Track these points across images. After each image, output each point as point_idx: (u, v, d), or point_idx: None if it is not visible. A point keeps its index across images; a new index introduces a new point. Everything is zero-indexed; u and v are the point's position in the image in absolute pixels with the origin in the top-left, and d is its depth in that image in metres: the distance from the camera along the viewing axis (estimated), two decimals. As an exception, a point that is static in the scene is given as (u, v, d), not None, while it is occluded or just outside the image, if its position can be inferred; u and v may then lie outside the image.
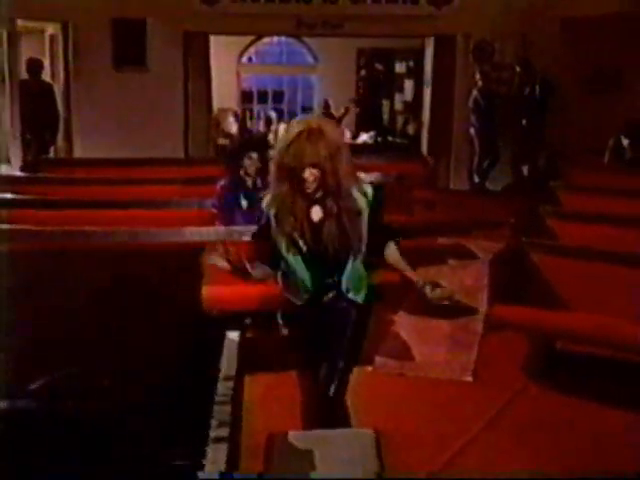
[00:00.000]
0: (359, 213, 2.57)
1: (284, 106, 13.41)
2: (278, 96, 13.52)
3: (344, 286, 2.65)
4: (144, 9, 8.34)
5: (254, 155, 4.76)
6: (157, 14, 8.40)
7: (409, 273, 2.68)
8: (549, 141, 8.43)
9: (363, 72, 12.87)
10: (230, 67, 12.63)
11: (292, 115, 12.79)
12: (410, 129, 11.76)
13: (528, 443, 3.30)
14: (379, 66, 12.57)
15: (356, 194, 2.58)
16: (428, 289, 2.58)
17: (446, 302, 2.69)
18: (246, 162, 4.76)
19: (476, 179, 8.89)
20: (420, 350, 4.20)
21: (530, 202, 7.04)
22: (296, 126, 2.53)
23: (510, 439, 3.35)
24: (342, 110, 11.45)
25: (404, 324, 4.59)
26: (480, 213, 7.47)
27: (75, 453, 1.37)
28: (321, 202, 2.55)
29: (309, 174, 2.47)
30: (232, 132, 12.31)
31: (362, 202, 2.58)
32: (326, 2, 8.62)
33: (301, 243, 2.57)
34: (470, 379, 3.94)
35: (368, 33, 9.56)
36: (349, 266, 2.62)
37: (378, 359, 4.07)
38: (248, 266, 2.42)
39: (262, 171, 4.81)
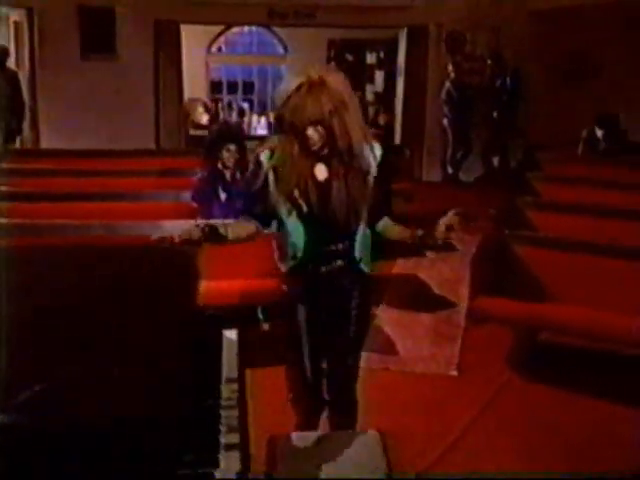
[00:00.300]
0: (368, 174, 2.33)
1: (254, 97, 13.23)
2: (248, 86, 13.33)
3: (357, 253, 2.40)
4: (113, -4, 8.13)
5: (232, 147, 4.64)
6: (127, 2, 8.18)
7: (406, 231, 2.39)
8: (522, 132, 8.43)
9: (333, 63, 12.75)
10: (199, 57, 12.40)
11: (262, 106, 12.67)
12: (381, 120, 11.69)
13: (518, 436, 3.27)
14: (349, 57, 12.47)
15: (367, 152, 2.32)
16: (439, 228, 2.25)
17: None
18: (224, 154, 4.64)
19: (449, 170, 8.87)
20: (404, 344, 4.14)
21: (506, 193, 7.06)
22: (295, 79, 2.24)
23: (500, 432, 3.31)
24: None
25: (387, 318, 4.54)
26: (456, 204, 7.45)
27: (72, 469, 1.26)
28: (327, 160, 2.29)
29: (313, 132, 2.22)
30: (202, 123, 12.13)
31: (372, 162, 2.33)
32: (299, -8, 8.51)
33: (303, 205, 2.32)
34: (455, 373, 3.89)
35: (341, 23, 9.46)
36: (360, 232, 2.39)
37: (362, 354, 3.99)
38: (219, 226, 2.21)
39: (240, 163, 4.71)
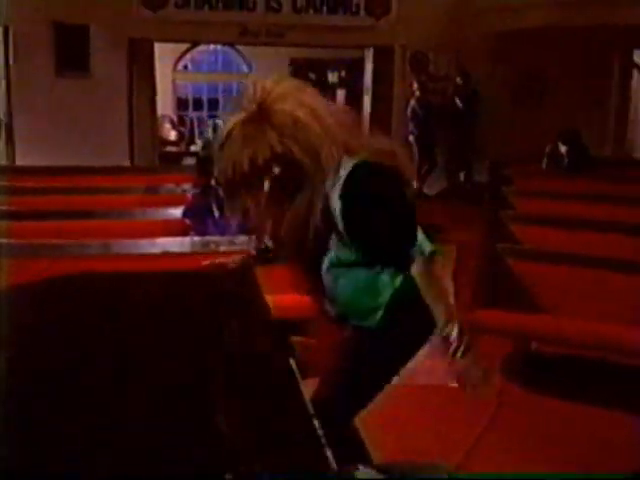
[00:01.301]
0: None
1: (219, 113, 13.01)
2: (213, 103, 13.11)
3: (338, 307, 1.85)
4: (87, 15, 7.84)
5: (225, 164, 4.47)
6: (100, 20, 7.91)
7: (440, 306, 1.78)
8: (484, 149, 8.48)
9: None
10: (166, 74, 12.14)
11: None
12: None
13: (526, 445, 3.19)
14: (312, 75, 12.39)
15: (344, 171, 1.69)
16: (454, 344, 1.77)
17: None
18: (217, 171, 4.47)
19: (414, 184, 8.84)
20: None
21: (473, 206, 7.07)
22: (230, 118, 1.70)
23: (508, 443, 3.23)
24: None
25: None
26: (426, 215, 7.42)
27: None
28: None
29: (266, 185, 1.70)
30: (170, 139, 11.87)
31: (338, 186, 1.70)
32: (269, 11, 8.37)
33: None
34: (455, 385, 3.79)
35: (309, 43, 9.36)
36: (330, 274, 1.80)
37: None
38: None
39: (235, 180, 4.55)
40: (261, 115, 1.64)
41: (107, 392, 1.14)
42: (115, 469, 0.99)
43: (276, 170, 1.65)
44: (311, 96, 1.72)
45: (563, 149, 6.57)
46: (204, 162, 4.55)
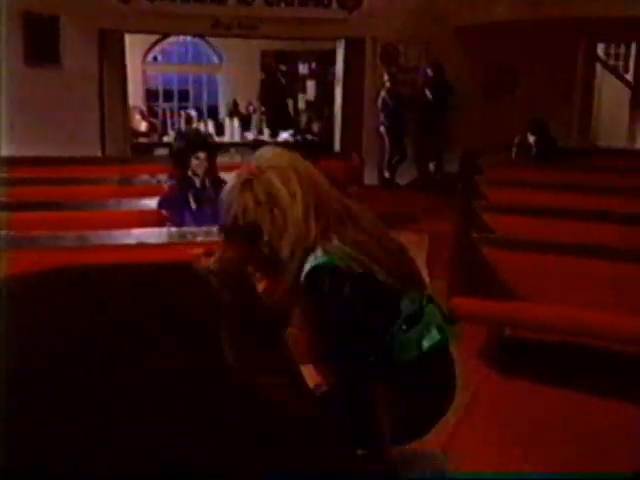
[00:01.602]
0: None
1: (189, 104, 12.82)
2: (184, 94, 12.91)
3: None
4: (57, 5, 7.62)
5: (201, 155, 4.37)
6: (71, 10, 7.70)
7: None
8: (455, 139, 8.50)
9: (267, 73, 12.55)
10: (135, 65, 11.90)
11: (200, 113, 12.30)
12: (315, 127, 11.58)
13: (503, 426, 3.21)
14: (283, 67, 12.29)
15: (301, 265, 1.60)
16: None
17: None
18: (193, 162, 4.37)
19: (386, 174, 8.83)
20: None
21: (444, 196, 7.07)
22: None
23: (487, 424, 3.24)
24: (250, 109, 11.10)
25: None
26: (397, 205, 7.42)
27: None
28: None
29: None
30: (140, 130, 11.65)
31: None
32: (241, 3, 8.24)
33: None
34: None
35: (282, 35, 9.26)
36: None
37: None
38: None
39: (211, 171, 4.45)
40: (252, 175, 1.63)
41: (104, 389, 1.07)
42: (109, 468, 0.93)
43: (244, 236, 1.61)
44: (307, 176, 1.64)
45: (532, 139, 6.61)
46: (179, 153, 4.43)
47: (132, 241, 3.97)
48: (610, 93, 10.18)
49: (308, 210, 1.59)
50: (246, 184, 1.61)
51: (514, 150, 6.80)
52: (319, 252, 1.57)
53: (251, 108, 11.16)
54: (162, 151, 10.26)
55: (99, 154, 8.06)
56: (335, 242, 1.57)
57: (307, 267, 1.56)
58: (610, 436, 3.15)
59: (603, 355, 3.78)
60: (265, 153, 1.69)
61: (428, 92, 8.74)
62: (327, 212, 1.61)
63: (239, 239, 1.61)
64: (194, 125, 9.54)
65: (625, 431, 3.19)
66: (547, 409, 3.41)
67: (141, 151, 9.71)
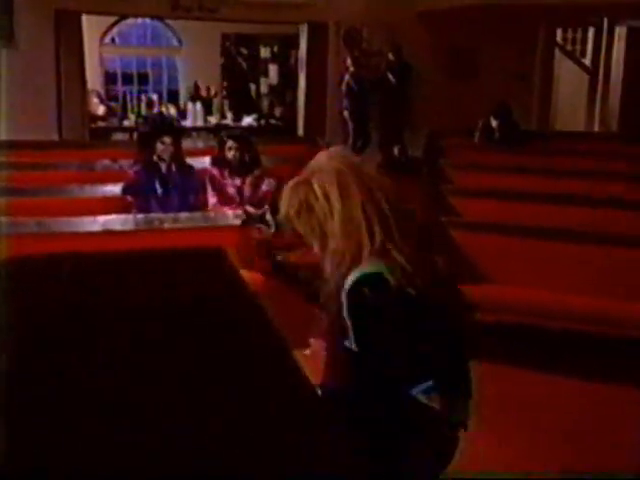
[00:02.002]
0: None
1: (149, 88, 12.53)
2: (143, 78, 12.61)
3: None
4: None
5: (167, 139, 4.28)
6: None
7: None
8: (418, 123, 8.50)
9: (228, 56, 12.34)
10: (92, 47, 11.55)
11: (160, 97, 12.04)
12: (277, 112, 11.45)
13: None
14: (244, 51, 12.09)
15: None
16: None
17: None
18: (159, 147, 4.28)
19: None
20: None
21: (410, 180, 7.07)
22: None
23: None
24: (212, 92, 10.91)
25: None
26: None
27: None
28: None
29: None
30: (98, 114, 11.36)
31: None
32: (202, -16, 8.06)
33: None
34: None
35: (244, 18, 9.08)
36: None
37: (313, 342, 3.80)
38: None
39: (177, 156, 4.36)
40: (299, 181, 1.50)
41: (110, 384, 1.02)
42: (114, 464, 0.88)
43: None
44: (356, 180, 1.49)
45: (494, 123, 6.64)
46: (145, 137, 4.33)
47: (97, 228, 3.87)
48: (567, 78, 10.32)
49: (352, 220, 1.45)
50: (305, 183, 1.48)
51: (477, 134, 6.83)
52: (365, 262, 1.44)
53: (212, 92, 10.97)
54: (121, 136, 10.04)
55: (56, 138, 7.82)
56: (387, 253, 1.44)
57: (351, 278, 1.43)
58: (578, 415, 3.21)
59: (570, 336, 3.84)
60: (319, 158, 1.54)
61: (391, 76, 8.72)
62: (377, 221, 1.46)
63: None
64: (155, 109, 9.32)
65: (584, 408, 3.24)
66: (515, 390, 3.45)
67: (99, 136, 9.46)
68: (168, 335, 1.18)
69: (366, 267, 1.42)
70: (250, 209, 4.35)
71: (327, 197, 1.44)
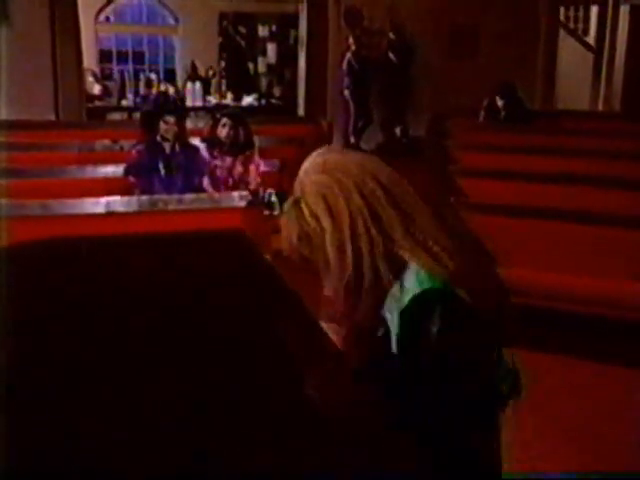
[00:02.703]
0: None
1: (145, 67, 12.37)
2: (139, 56, 12.43)
3: None
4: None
5: (170, 119, 4.19)
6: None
7: None
8: (420, 103, 8.41)
9: (226, 35, 12.17)
10: (88, 26, 11.37)
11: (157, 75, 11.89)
12: (276, 92, 11.33)
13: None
14: (242, 29, 11.93)
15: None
16: None
17: None
18: (162, 126, 4.19)
19: (352, 140, 8.70)
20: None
21: (413, 160, 6.99)
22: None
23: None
24: (210, 72, 10.77)
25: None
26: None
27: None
28: None
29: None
30: (94, 93, 11.21)
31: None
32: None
33: None
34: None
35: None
36: None
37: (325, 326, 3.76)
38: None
39: (180, 135, 4.28)
40: (298, 194, 1.31)
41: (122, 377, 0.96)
42: (111, 459, 0.82)
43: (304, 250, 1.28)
44: (379, 178, 1.32)
45: (500, 103, 6.56)
46: (148, 117, 4.23)
47: (100, 210, 3.79)
48: (570, 57, 10.21)
49: (352, 237, 1.25)
50: (295, 205, 1.29)
51: (482, 113, 6.75)
52: (413, 266, 1.26)
53: (210, 71, 10.82)
54: (118, 116, 9.91)
55: (52, 118, 7.70)
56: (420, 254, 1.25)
57: (409, 286, 1.25)
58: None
59: (578, 318, 3.81)
60: (301, 174, 1.34)
61: (392, 55, 8.61)
62: (415, 225, 1.28)
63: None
64: (154, 89, 9.19)
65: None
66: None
67: (96, 115, 9.34)
68: (198, 321, 1.13)
69: (411, 280, 1.24)
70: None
71: (317, 219, 1.26)
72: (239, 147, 4.57)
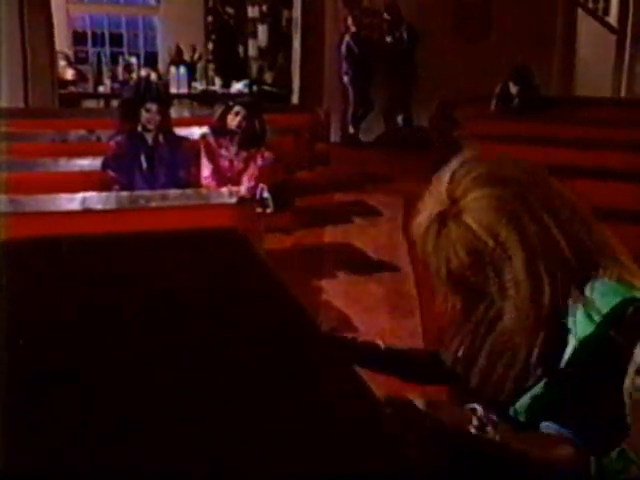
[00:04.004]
0: None
1: (124, 50, 12.36)
2: (116, 38, 12.44)
3: None
4: None
5: (153, 107, 4.19)
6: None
7: None
8: (423, 89, 8.42)
9: (212, 16, 12.17)
10: (58, 4, 11.35)
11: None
12: (268, 77, 11.33)
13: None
14: (230, 10, 11.93)
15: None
16: None
17: None
18: (143, 115, 4.19)
19: (351, 130, 8.71)
20: (361, 319, 3.95)
21: (419, 152, 7.01)
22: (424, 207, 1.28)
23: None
24: (196, 56, 10.77)
25: (333, 291, 4.34)
26: (371, 165, 7.33)
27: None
28: None
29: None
30: (67, 78, 11.21)
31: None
32: None
33: None
34: (421, 345, 3.77)
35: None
36: None
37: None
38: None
39: (164, 126, 4.28)
40: (455, 220, 1.23)
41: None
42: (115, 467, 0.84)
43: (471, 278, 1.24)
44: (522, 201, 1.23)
45: (514, 89, 6.57)
46: (128, 105, 4.24)
47: (76, 206, 3.80)
48: (589, 39, 10.23)
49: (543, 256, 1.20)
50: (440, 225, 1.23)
51: (494, 101, 6.76)
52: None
53: (196, 55, 10.83)
54: (94, 103, 9.89)
55: (22, 106, 7.70)
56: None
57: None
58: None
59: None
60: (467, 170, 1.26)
61: (389, 38, 8.62)
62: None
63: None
64: (134, 74, 9.18)
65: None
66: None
67: (69, 103, 9.33)
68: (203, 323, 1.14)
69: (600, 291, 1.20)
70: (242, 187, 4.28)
71: (496, 238, 1.20)
72: (250, 140, 4.56)
